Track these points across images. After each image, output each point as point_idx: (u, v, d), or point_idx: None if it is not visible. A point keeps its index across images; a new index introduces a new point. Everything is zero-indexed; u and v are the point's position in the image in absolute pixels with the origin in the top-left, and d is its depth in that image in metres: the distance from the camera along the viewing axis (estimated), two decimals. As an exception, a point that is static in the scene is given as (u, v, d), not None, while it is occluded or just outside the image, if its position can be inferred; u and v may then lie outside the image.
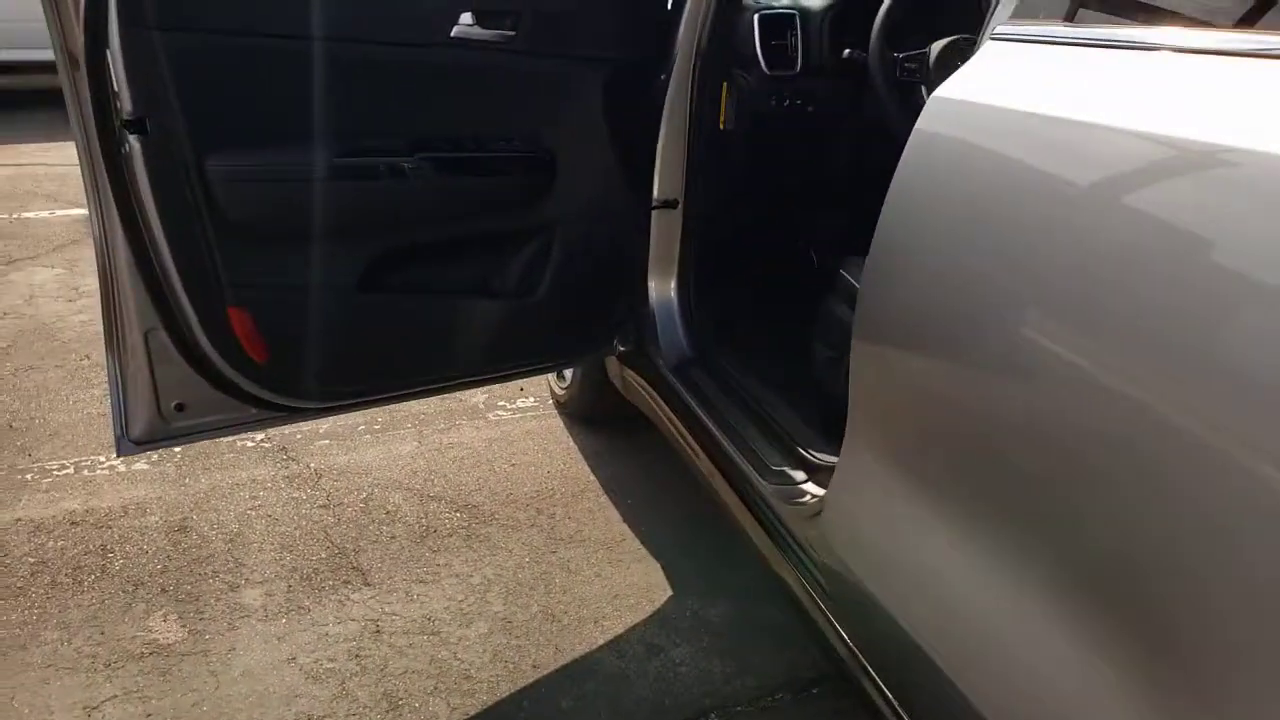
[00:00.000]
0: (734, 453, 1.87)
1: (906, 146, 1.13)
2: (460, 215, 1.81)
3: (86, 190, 1.57)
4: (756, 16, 2.02)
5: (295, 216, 1.62)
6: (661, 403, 2.17)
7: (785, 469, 1.74)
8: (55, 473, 2.49)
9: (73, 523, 2.29)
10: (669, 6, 2.00)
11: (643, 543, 2.33)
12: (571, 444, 2.77)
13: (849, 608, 1.42)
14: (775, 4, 2.07)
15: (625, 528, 2.38)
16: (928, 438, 1.16)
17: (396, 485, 2.51)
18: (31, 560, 2.16)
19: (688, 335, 2.22)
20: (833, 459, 1.67)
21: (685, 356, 2.20)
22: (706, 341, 2.20)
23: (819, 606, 1.55)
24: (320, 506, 2.40)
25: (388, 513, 2.40)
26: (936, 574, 1.16)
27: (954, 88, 1.11)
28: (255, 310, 1.63)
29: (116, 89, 1.45)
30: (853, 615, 1.42)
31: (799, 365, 2.01)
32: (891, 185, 1.15)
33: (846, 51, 1.97)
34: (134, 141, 1.48)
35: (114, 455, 2.60)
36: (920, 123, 1.12)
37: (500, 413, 2.93)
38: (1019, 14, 1.08)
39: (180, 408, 1.71)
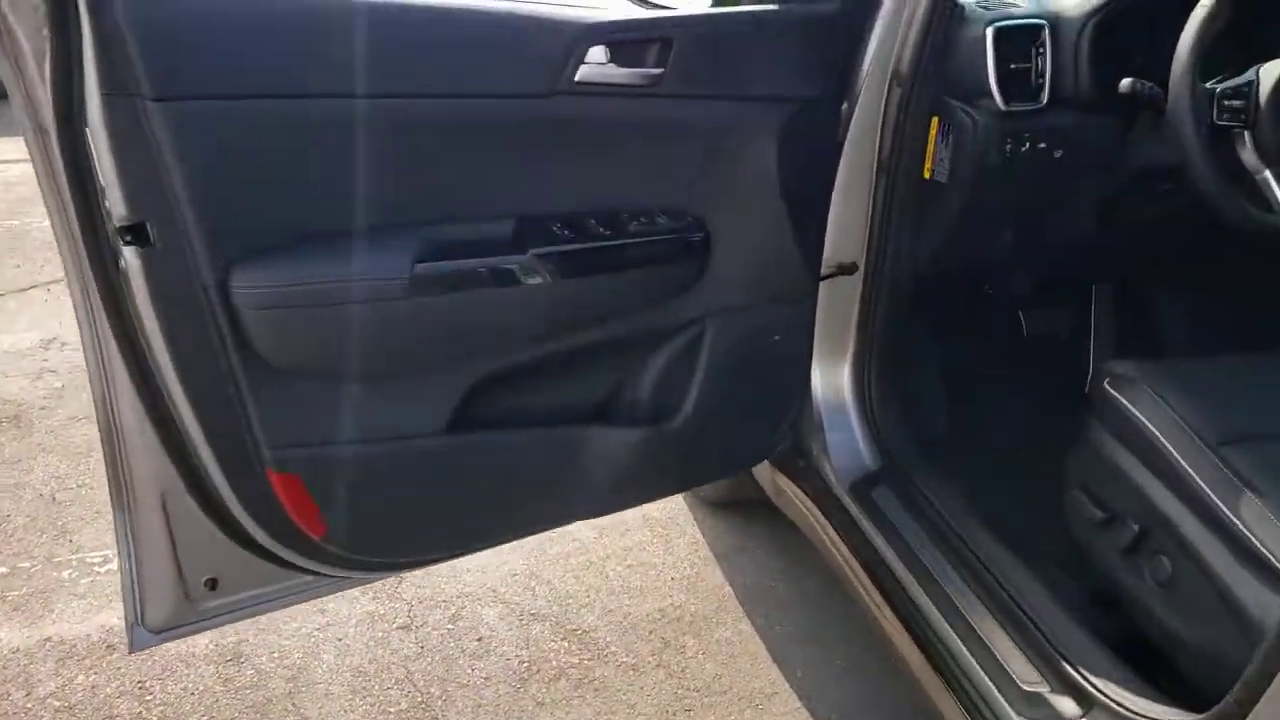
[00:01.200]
0: (952, 640, 1.36)
1: None
2: (585, 323, 1.31)
3: (76, 312, 1.14)
4: (990, 30, 1.44)
5: (360, 349, 1.15)
6: (832, 531, 1.66)
7: (1043, 692, 1.23)
8: (96, 568, 2.12)
9: (109, 646, 1.91)
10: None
11: (802, 698, 1.83)
12: (699, 536, 2.28)
13: None
14: (1014, 13, 1.49)
15: (776, 672, 1.89)
16: None
17: (491, 596, 2.07)
18: (56, 704, 1.78)
19: (868, 440, 1.70)
20: (1132, 700, 1.15)
21: (865, 470, 1.68)
22: (895, 451, 1.68)
23: None
24: (400, 627, 1.97)
25: (480, 639, 1.95)
26: None
27: None
28: (306, 475, 1.17)
29: (103, 184, 1.00)
30: None
31: (1042, 507, 1.48)
32: None
33: (1127, 82, 1.39)
34: (131, 256, 1.03)
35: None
36: None
37: (610, 489, 2.46)
38: None
39: (213, 584, 1.28)
